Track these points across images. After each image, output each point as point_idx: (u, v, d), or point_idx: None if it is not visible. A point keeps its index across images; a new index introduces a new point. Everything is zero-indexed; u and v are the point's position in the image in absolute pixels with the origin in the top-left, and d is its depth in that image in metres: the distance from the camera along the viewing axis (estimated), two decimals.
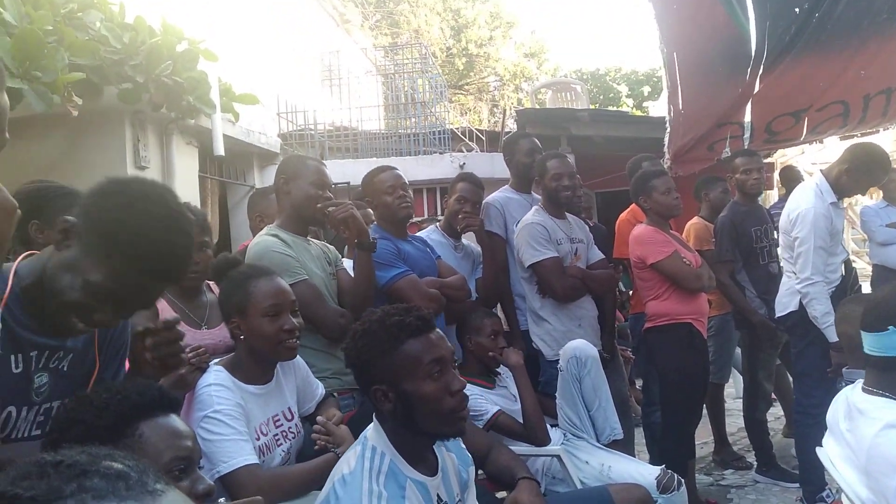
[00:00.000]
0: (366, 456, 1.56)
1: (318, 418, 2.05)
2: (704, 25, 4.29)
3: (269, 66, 7.39)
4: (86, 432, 1.11)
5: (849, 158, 3.39)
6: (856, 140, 5.22)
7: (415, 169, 6.73)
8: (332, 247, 2.84)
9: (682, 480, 2.62)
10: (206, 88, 4.96)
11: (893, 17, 4.00)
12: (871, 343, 1.52)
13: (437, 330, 1.63)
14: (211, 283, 2.41)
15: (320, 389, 2.27)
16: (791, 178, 5.97)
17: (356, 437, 2.00)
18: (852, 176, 3.36)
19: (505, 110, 11.55)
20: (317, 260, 2.62)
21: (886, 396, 1.47)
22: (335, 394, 2.41)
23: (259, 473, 1.78)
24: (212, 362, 1.97)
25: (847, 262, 3.53)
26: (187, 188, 5.23)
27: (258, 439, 1.92)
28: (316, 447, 1.99)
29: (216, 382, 1.88)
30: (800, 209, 3.35)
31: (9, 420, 1.23)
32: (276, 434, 2.01)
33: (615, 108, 18.31)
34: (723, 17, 4.19)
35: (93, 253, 1.20)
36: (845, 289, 3.39)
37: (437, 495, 1.61)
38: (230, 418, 1.82)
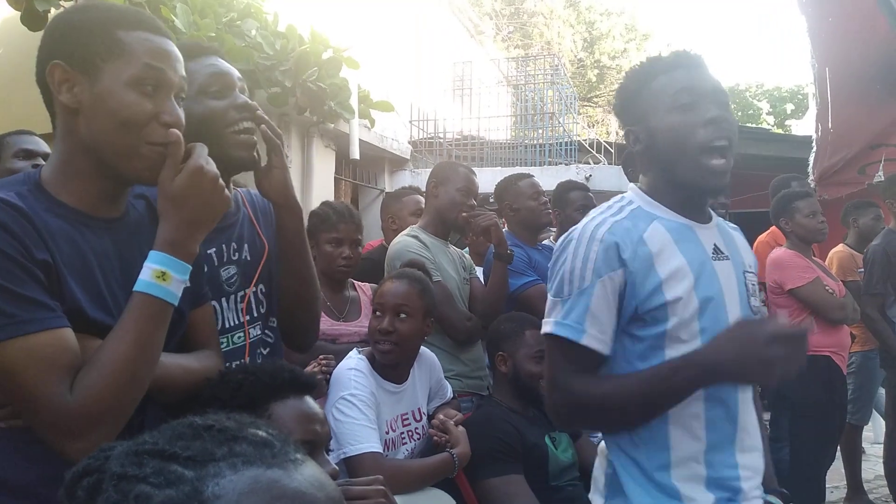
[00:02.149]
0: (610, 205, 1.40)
1: (439, 416, 2.11)
2: (863, 40, 4.02)
3: (404, 74, 7.64)
4: (222, 409, 1.20)
5: None
6: None
7: (539, 179, 6.71)
8: (467, 255, 2.91)
9: None
10: (347, 95, 5.21)
11: None
12: None
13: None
14: (357, 282, 2.55)
15: (449, 392, 2.34)
16: None
17: (471, 441, 2.06)
18: None
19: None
20: (453, 264, 2.70)
21: None
22: (455, 395, 2.46)
23: (382, 461, 1.85)
24: (356, 350, 2.09)
25: None
26: (323, 189, 5.51)
27: (388, 433, 2.00)
28: (434, 440, 2.05)
29: (357, 368, 1.99)
30: None
31: (216, 314, 1.39)
32: (403, 432, 2.08)
33: (754, 126, 17.41)
34: (885, 30, 3.90)
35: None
36: None
37: (715, 244, 1.37)
38: (363, 404, 1.91)
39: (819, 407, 3.24)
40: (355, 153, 5.65)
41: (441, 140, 7.91)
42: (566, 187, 3.37)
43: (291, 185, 1.46)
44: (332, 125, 5.42)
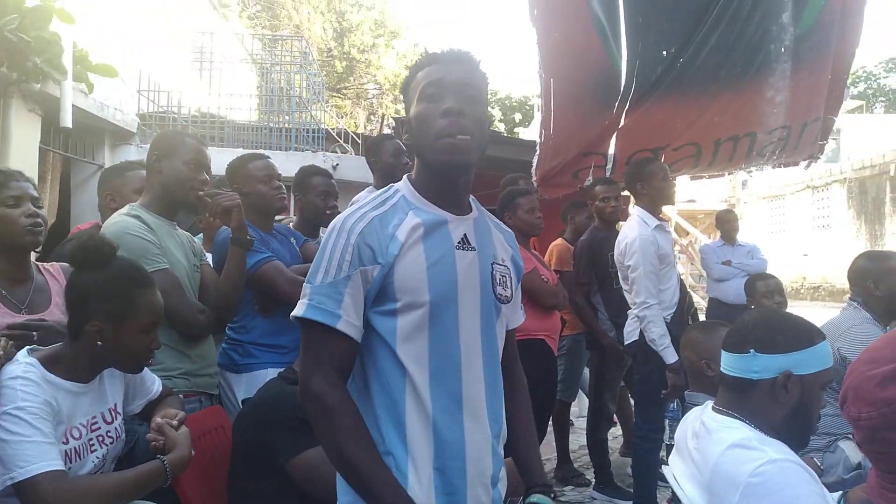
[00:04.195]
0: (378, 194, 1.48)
1: (156, 419, 1.86)
2: (581, 57, 4.46)
3: (133, 39, 6.87)
4: None
5: (633, 179, 3.70)
6: (704, 180, 5.66)
7: (285, 164, 6.46)
8: (196, 239, 2.63)
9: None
10: (58, 52, 4.51)
11: (747, 71, 4.37)
12: (729, 363, 1.59)
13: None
14: (44, 265, 2.14)
15: (156, 387, 2.05)
16: None
17: (270, 420, 1.90)
18: (646, 189, 3.63)
19: (384, 116, 11.50)
20: (181, 248, 2.42)
21: (735, 417, 1.53)
22: (181, 395, 2.21)
23: (62, 481, 1.55)
24: (25, 351, 1.73)
25: (682, 285, 3.75)
26: (24, 159, 4.71)
27: (66, 443, 1.69)
28: (152, 445, 1.80)
29: (23, 376, 1.63)
30: (627, 239, 3.56)
31: None
32: (91, 438, 1.78)
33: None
34: (599, 50, 4.38)
35: None
36: (682, 312, 3.62)
37: (465, 235, 1.45)
38: (34, 417, 1.58)
39: (534, 387, 3.51)
40: (67, 121, 4.93)
41: (175, 115, 7.27)
42: (308, 172, 3.27)
43: None
44: (39, 86, 4.66)
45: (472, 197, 1.54)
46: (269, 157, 2.91)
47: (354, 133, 9.35)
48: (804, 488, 1.34)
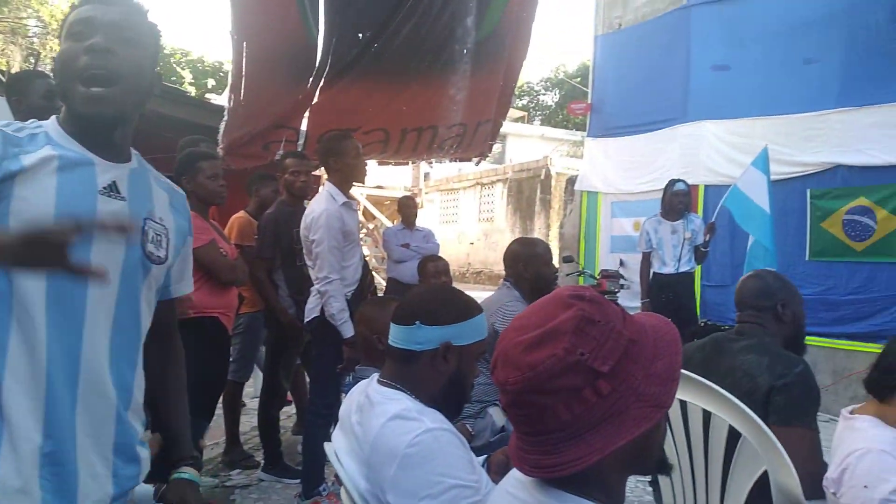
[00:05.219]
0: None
1: None
2: (277, 23, 4.30)
3: None
4: None
5: (326, 154, 3.67)
6: (391, 167, 5.90)
7: None
8: None
9: None
10: None
11: (433, 67, 4.65)
12: (396, 335, 1.63)
13: None
14: None
15: None
16: None
17: None
18: (338, 164, 3.62)
19: (39, 55, 9.88)
20: None
21: (398, 388, 1.57)
22: None
23: None
24: None
25: (365, 265, 3.84)
26: None
27: None
28: None
29: None
30: (314, 213, 3.52)
31: None
32: None
33: (169, 85, 17.39)
34: (296, 20, 4.27)
35: None
36: (363, 289, 3.71)
37: (114, 183, 1.30)
38: None
39: (206, 366, 3.28)
40: None
41: None
42: None
43: None
44: None
45: (136, 152, 1.40)
46: None
47: (0, 71, 7.85)
48: (454, 456, 1.42)
